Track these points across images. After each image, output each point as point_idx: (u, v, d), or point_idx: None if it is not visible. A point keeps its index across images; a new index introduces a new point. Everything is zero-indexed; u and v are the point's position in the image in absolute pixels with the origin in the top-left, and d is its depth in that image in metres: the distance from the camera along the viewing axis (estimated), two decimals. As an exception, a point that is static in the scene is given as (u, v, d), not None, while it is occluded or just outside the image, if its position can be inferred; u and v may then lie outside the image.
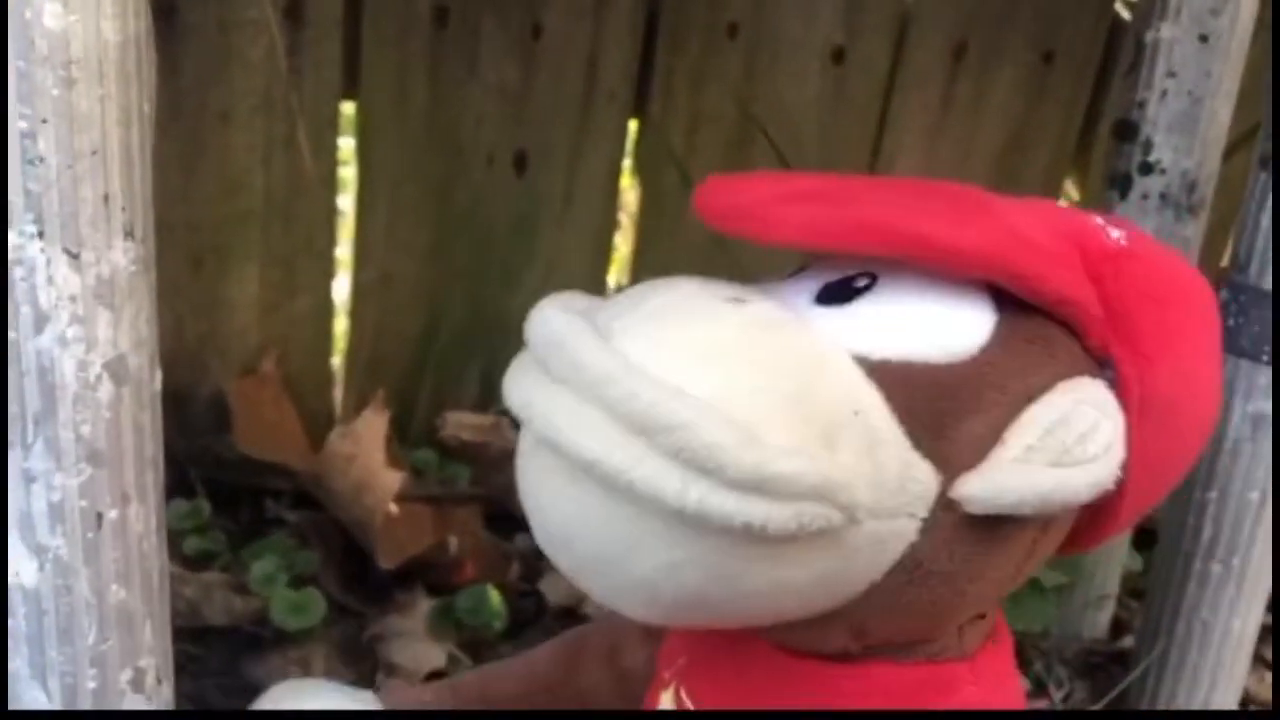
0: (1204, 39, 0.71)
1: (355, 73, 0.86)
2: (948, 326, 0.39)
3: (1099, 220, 0.43)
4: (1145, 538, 0.87)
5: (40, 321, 0.41)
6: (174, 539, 0.81)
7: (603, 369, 0.36)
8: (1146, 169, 0.74)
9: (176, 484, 0.85)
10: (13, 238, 0.40)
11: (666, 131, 0.96)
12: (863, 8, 0.97)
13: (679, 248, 0.94)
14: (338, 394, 0.95)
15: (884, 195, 0.41)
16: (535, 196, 0.94)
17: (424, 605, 0.76)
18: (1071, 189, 1.11)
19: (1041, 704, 0.80)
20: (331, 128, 0.87)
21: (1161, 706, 0.74)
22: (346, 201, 0.94)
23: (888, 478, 0.37)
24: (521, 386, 0.38)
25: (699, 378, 0.36)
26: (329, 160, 0.88)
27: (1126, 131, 0.75)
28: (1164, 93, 0.73)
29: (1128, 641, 0.84)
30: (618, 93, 0.93)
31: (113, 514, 0.45)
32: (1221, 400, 0.46)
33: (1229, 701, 0.74)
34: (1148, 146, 0.74)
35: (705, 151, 0.97)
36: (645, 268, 0.98)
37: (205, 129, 0.83)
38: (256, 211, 0.87)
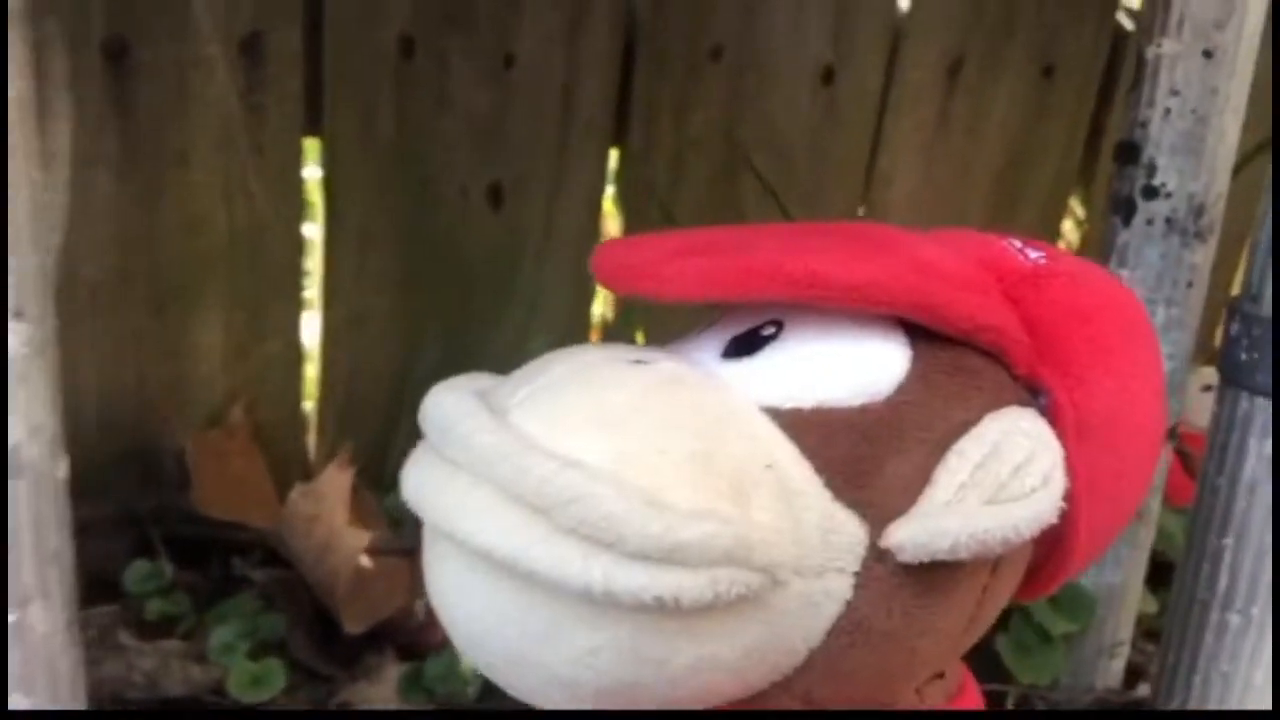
0: (1208, 55, 0.67)
1: (318, 108, 0.82)
2: (859, 368, 0.37)
3: (1016, 243, 0.42)
4: (1161, 575, 0.83)
5: (-86, 414, 0.37)
6: (135, 603, 0.78)
7: (492, 446, 0.33)
8: (1150, 193, 0.70)
9: (138, 544, 0.81)
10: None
11: (649, 161, 0.92)
12: (853, 24, 0.93)
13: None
14: (311, 440, 0.91)
15: (780, 241, 0.39)
16: (513, 230, 0.90)
17: (394, 670, 0.72)
18: (1077, 207, 1.07)
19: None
20: (295, 165, 0.84)
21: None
22: (316, 237, 0.90)
23: (808, 532, 0.35)
24: (415, 475, 0.36)
25: (597, 446, 0.34)
26: (294, 199, 0.84)
27: (1128, 153, 0.71)
28: (1167, 111, 0.69)
29: (1144, 690, 0.80)
30: (596, 121, 0.89)
31: (12, 618, 0.41)
32: (1169, 426, 0.43)
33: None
34: (1151, 169, 0.70)
35: (691, 180, 0.93)
36: (630, 299, 0.94)
37: (164, 170, 0.80)
38: (220, 254, 0.83)
